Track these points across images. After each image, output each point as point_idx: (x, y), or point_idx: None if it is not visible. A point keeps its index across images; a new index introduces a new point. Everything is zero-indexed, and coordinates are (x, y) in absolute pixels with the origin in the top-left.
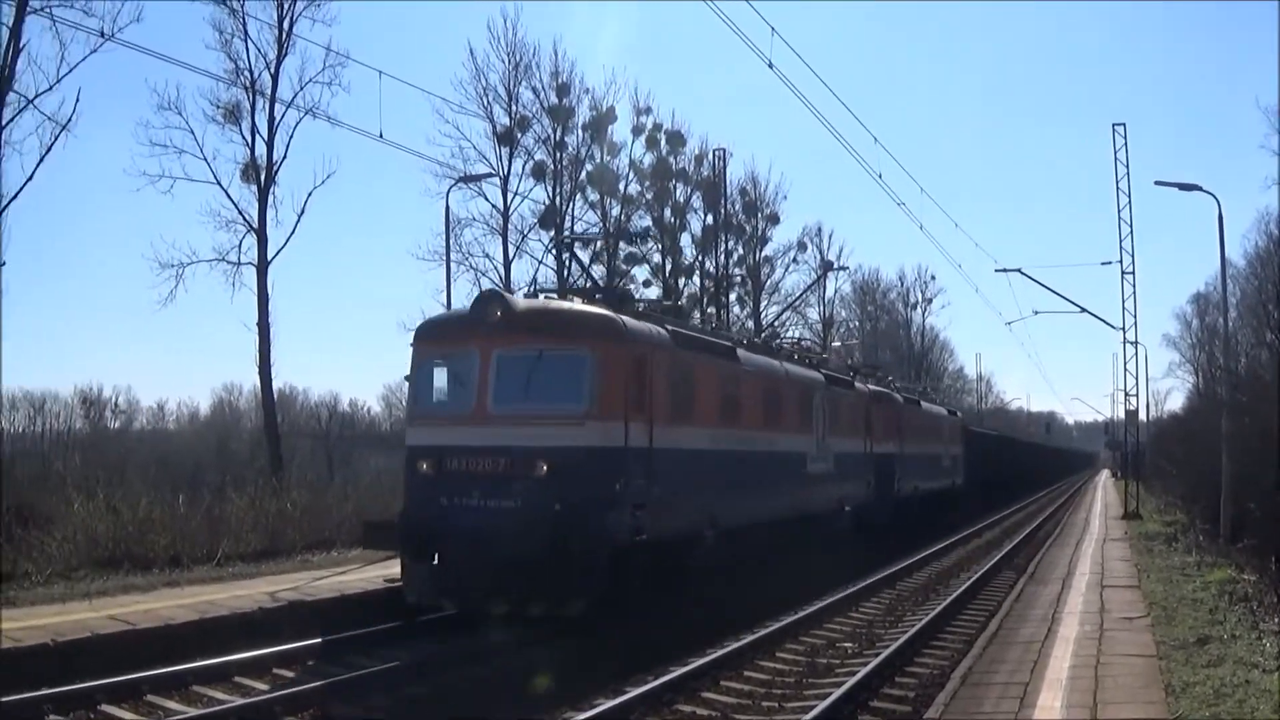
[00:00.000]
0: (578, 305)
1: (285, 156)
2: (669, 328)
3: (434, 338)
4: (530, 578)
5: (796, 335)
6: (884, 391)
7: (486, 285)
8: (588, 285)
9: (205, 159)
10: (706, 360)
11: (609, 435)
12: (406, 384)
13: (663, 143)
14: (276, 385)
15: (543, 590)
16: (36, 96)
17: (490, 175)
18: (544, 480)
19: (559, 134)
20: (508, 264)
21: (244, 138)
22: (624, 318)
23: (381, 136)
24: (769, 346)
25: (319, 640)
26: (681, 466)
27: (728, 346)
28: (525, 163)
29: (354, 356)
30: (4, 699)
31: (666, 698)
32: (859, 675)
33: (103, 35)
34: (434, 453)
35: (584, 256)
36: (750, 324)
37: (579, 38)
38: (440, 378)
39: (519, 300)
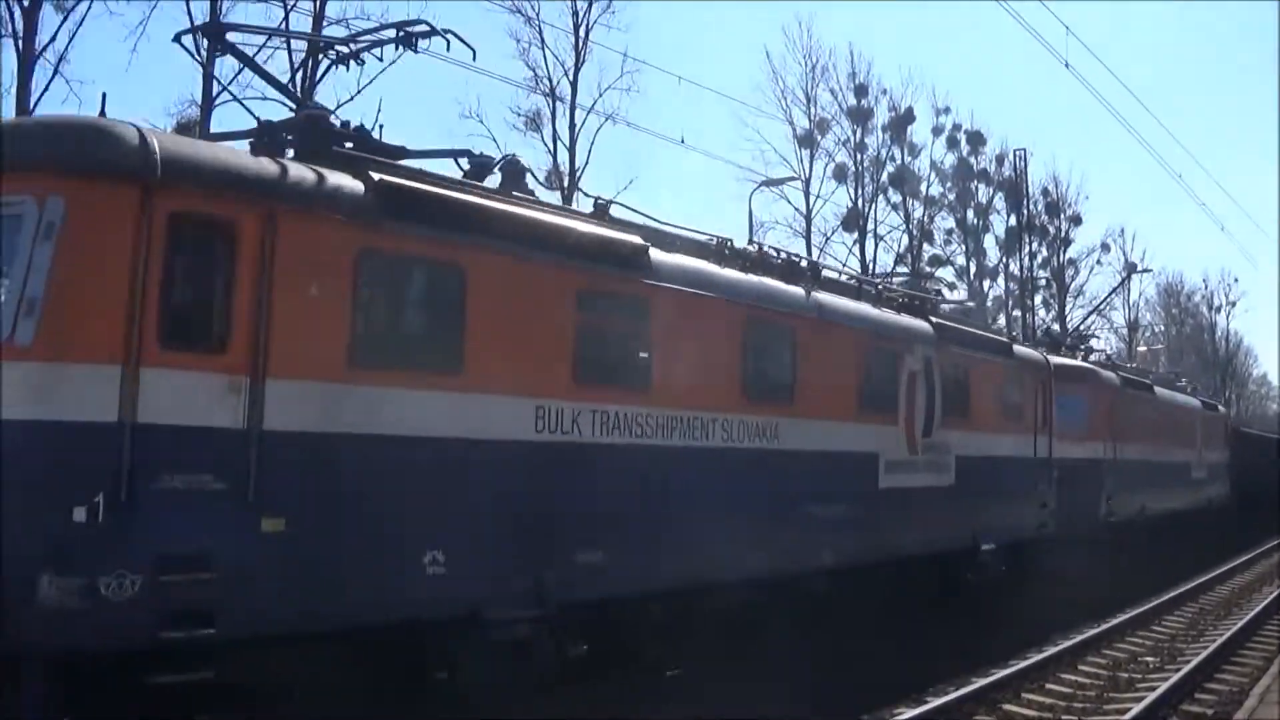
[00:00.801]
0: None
1: (587, 162)
2: (381, 179)
3: None
4: None
5: (1102, 339)
6: (1076, 365)
7: None
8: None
9: None
10: (510, 253)
11: (67, 396)
12: None
13: (963, 143)
14: None
15: None
16: (338, 107)
17: (793, 178)
18: None
19: (859, 135)
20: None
21: (546, 145)
22: (153, 130)
23: (683, 142)
24: (787, 263)
25: None
26: (397, 475)
27: (619, 243)
28: (826, 165)
29: None
30: None
31: (966, 709)
32: (1159, 691)
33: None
34: None
35: None
36: (1056, 327)
37: (874, 38)
38: None
39: None
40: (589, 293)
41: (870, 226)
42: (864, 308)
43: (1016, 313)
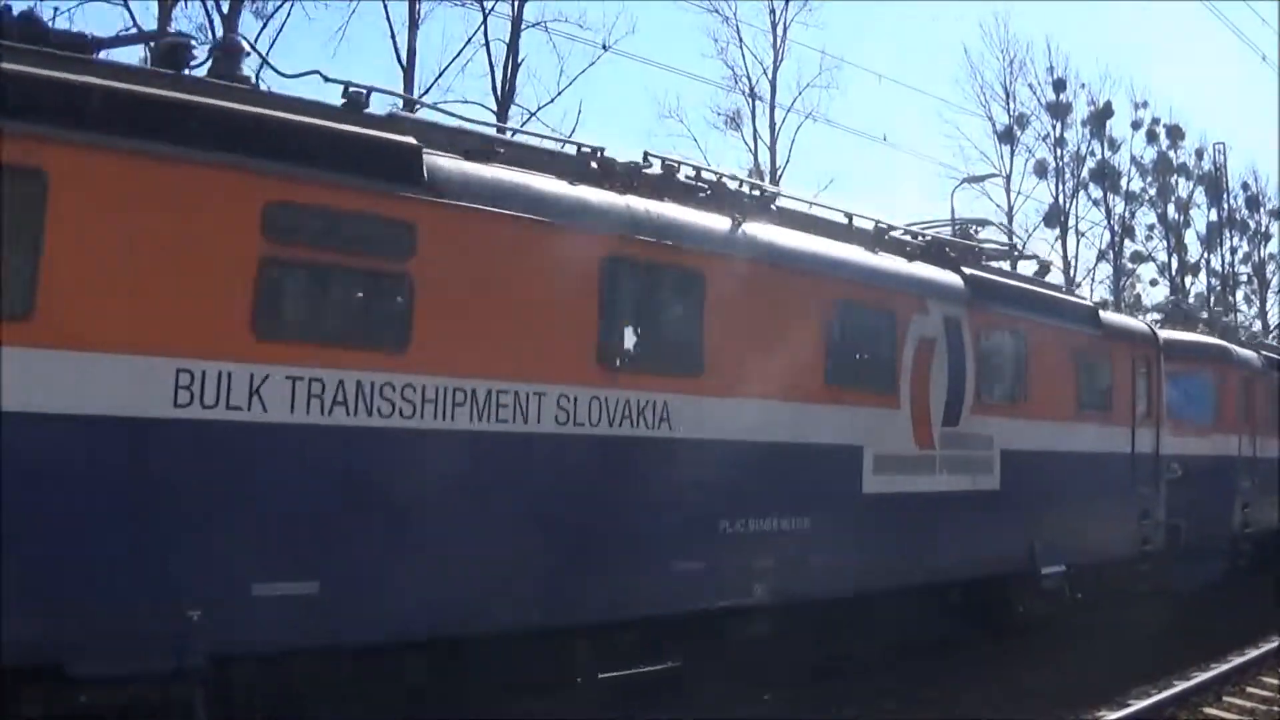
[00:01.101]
0: None
1: (788, 160)
2: None
3: None
4: None
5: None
6: (1198, 341)
7: None
8: None
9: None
10: (138, 151)
11: None
12: None
13: (1162, 137)
14: None
15: None
16: (538, 109)
17: (994, 175)
18: None
19: (1058, 130)
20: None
21: (747, 143)
22: None
23: (885, 139)
24: (718, 185)
25: None
26: None
27: (357, 141)
28: (1026, 160)
29: None
30: None
31: (1168, 712)
32: None
33: (604, 47)
34: None
35: None
36: (1258, 324)
37: (1070, 33)
38: None
39: None
40: (290, 209)
41: (1072, 223)
42: (842, 250)
43: (1219, 309)
